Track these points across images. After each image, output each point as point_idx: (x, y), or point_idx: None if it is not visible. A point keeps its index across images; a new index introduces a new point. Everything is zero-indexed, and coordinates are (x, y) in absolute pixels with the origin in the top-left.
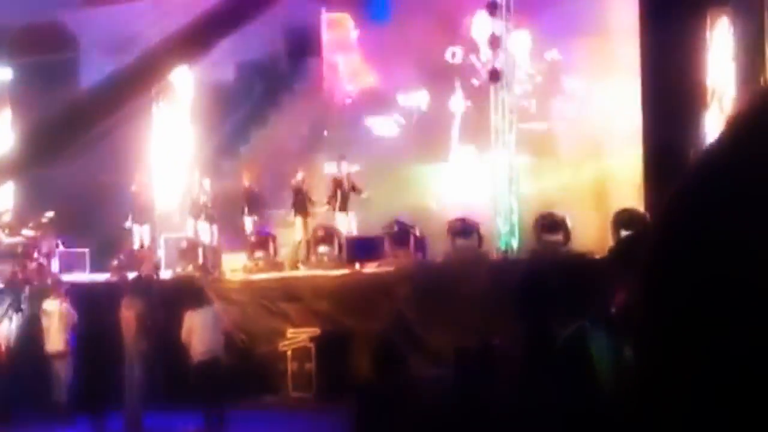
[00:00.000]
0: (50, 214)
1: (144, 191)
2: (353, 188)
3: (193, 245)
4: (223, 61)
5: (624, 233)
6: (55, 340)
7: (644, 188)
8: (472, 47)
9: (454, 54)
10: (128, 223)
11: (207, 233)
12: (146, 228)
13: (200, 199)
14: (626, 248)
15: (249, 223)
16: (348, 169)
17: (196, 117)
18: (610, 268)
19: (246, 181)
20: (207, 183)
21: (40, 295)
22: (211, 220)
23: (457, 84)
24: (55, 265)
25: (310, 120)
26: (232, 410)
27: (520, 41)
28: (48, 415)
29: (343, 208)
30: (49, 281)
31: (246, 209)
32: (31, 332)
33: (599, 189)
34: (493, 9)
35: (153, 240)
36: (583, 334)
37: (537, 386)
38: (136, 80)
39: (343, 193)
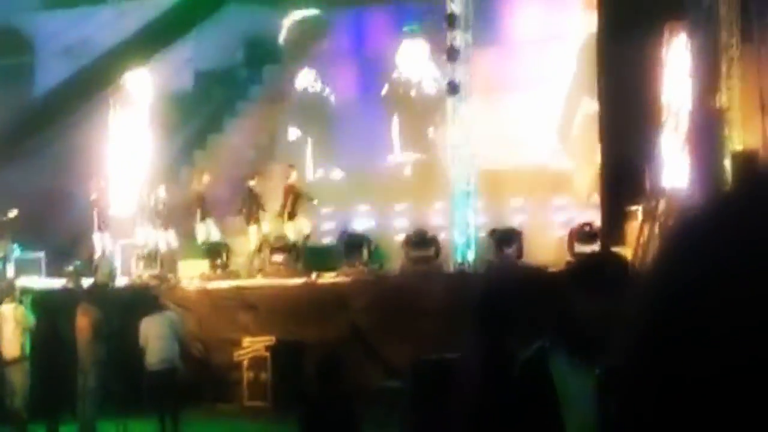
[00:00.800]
0: (13, 212)
1: (103, 197)
2: (300, 195)
3: (149, 252)
4: (181, 68)
5: (579, 247)
6: (11, 345)
7: (601, 203)
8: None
9: None
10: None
11: (163, 240)
12: (107, 235)
13: (157, 206)
14: (587, 268)
15: (202, 229)
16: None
17: (154, 124)
18: (570, 286)
19: (197, 186)
20: (162, 189)
21: None
22: (166, 226)
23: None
24: (9, 270)
25: (266, 128)
26: (188, 418)
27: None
28: (2, 422)
29: (293, 216)
30: (3, 285)
31: (198, 214)
32: None
33: (555, 202)
34: (451, 21)
35: (110, 246)
36: (542, 356)
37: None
38: (92, 84)
39: (293, 201)
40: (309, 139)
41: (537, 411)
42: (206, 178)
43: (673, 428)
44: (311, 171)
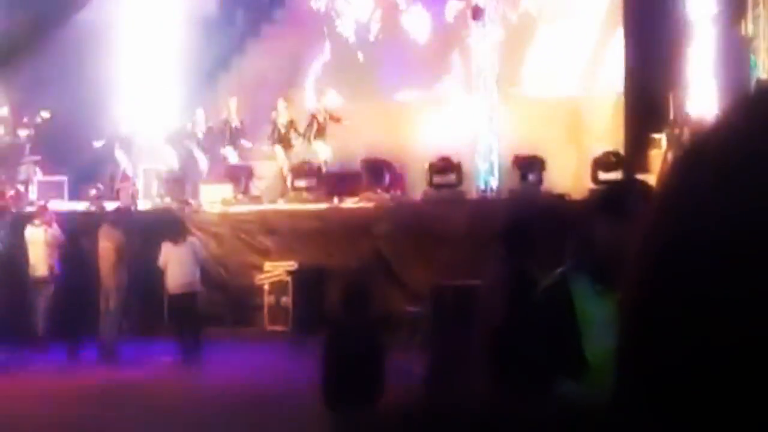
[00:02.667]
0: (46, 114)
1: (127, 121)
2: (331, 117)
3: (172, 176)
4: None
5: (603, 175)
6: (39, 266)
7: (624, 130)
8: None
9: None
10: (99, 143)
11: (194, 164)
12: (130, 158)
13: (193, 129)
14: (610, 195)
15: (231, 154)
16: (327, 101)
17: (179, 49)
18: (593, 213)
19: (225, 113)
20: (200, 113)
21: (22, 222)
22: (204, 151)
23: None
24: (33, 193)
25: (290, 51)
26: (208, 341)
27: None
28: (23, 342)
29: (319, 137)
30: (31, 207)
31: (227, 140)
32: (13, 259)
33: (578, 130)
34: None
35: (132, 170)
36: (565, 281)
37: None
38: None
39: (319, 124)
40: (332, 65)
41: (557, 335)
42: (233, 103)
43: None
44: (334, 96)
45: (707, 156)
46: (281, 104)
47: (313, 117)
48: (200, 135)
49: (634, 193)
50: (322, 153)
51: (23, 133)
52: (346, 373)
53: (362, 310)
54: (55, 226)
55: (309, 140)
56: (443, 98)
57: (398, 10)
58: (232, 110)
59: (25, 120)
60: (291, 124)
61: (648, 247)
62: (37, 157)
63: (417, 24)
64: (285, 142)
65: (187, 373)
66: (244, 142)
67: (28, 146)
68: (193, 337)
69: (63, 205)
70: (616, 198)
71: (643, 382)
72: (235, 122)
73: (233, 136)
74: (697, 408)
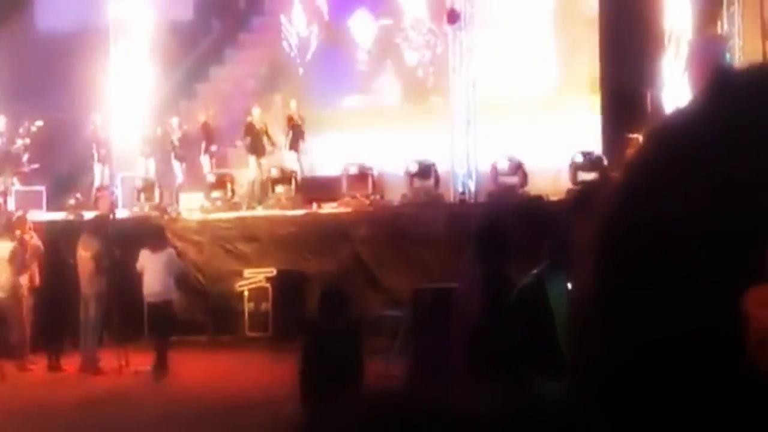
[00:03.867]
0: (39, 122)
1: (103, 130)
2: (300, 126)
3: (150, 184)
4: None
5: (581, 176)
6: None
7: (602, 131)
8: None
9: None
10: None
11: (170, 172)
12: (106, 167)
13: (167, 137)
14: (586, 194)
15: (206, 161)
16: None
17: (155, 56)
18: (569, 212)
19: (202, 119)
20: (175, 121)
21: None
22: (180, 159)
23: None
24: (10, 203)
25: (267, 58)
26: (188, 349)
27: None
28: (4, 353)
29: (294, 147)
30: (8, 218)
31: (203, 147)
32: None
33: (557, 131)
34: None
35: (110, 179)
36: (540, 281)
37: (494, 333)
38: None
39: (294, 132)
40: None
41: (533, 335)
42: (211, 110)
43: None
44: (313, 101)
45: (673, 137)
46: (256, 111)
47: (289, 124)
48: (176, 142)
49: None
50: (296, 162)
51: (20, 142)
52: (326, 378)
53: (341, 314)
54: (34, 236)
55: (286, 147)
56: (418, 102)
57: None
58: (207, 116)
59: (21, 130)
60: (265, 129)
61: (609, 230)
62: (36, 165)
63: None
64: (260, 149)
65: (168, 381)
66: (213, 149)
67: (26, 155)
68: (163, 347)
69: (41, 215)
70: (592, 198)
71: (597, 378)
72: (210, 128)
73: (208, 143)
74: (657, 403)
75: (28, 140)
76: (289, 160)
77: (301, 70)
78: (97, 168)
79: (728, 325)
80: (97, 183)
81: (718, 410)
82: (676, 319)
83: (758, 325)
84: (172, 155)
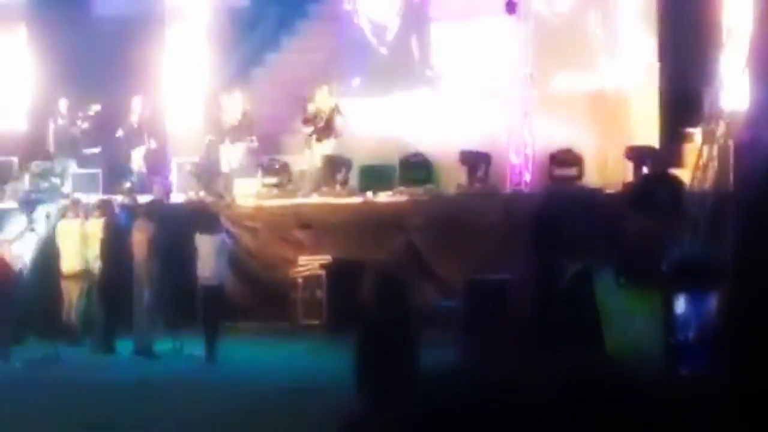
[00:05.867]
0: (96, 107)
1: (159, 114)
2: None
3: (204, 170)
4: None
5: (639, 169)
6: (72, 260)
7: (659, 126)
8: None
9: None
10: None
11: (230, 157)
12: (163, 151)
13: (223, 123)
14: (643, 189)
15: (254, 147)
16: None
17: (210, 42)
18: (625, 207)
19: (248, 107)
20: (230, 106)
21: (57, 215)
22: (234, 144)
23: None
24: (67, 186)
25: (324, 45)
26: (241, 335)
27: None
28: (58, 337)
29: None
30: (66, 201)
31: (252, 134)
32: (47, 253)
33: (616, 124)
34: None
35: (167, 163)
36: (588, 273)
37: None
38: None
39: (344, 121)
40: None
41: (579, 326)
42: (257, 98)
43: None
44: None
45: None
46: (322, 92)
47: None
48: (230, 128)
49: (667, 188)
50: (351, 150)
51: (81, 125)
52: (381, 366)
53: (396, 303)
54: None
55: (334, 136)
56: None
57: None
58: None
59: (80, 114)
60: (333, 110)
61: None
62: (96, 149)
63: None
64: (320, 133)
65: (221, 368)
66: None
67: (86, 139)
68: (214, 331)
69: (98, 198)
70: (649, 193)
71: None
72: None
73: (252, 132)
74: None
75: (86, 124)
76: (345, 148)
77: (383, 50)
78: (152, 152)
79: None
80: (145, 168)
81: None
82: None
83: None
84: (228, 140)
